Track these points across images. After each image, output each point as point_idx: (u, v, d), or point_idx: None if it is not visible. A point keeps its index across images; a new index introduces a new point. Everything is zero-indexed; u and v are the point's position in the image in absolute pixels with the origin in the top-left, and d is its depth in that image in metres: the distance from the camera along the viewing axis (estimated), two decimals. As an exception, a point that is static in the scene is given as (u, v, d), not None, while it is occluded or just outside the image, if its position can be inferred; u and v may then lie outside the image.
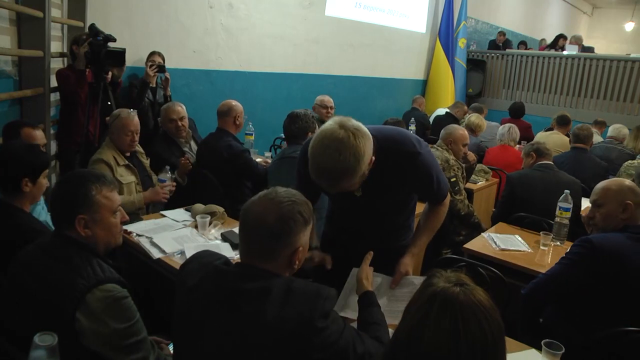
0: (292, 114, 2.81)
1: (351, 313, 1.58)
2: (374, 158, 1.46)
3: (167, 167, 2.77)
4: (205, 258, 1.29)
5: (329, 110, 4.43)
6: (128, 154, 2.75)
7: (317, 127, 2.73)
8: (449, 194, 1.83)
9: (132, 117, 2.70)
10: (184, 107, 3.33)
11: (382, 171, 1.54)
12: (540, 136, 4.93)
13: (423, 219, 1.85)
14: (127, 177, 2.67)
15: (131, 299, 1.34)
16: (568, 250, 1.90)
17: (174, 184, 2.79)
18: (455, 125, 3.50)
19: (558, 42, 8.81)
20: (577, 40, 8.68)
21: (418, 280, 1.71)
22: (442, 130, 3.45)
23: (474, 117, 4.67)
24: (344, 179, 1.38)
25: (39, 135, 2.34)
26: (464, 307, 0.90)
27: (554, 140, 4.60)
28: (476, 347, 0.88)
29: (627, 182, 1.96)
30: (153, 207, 2.81)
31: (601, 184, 1.98)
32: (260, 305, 1.12)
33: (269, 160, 3.66)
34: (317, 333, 1.10)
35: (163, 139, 3.29)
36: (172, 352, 1.56)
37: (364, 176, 1.45)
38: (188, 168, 3.01)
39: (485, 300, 0.93)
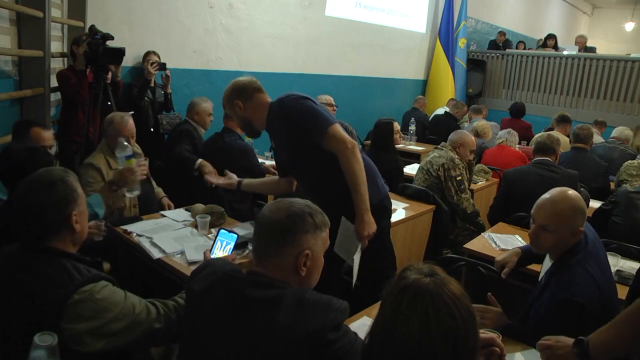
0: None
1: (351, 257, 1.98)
2: (241, 104, 2.06)
3: (122, 140, 2.37)
4: (217, 265, 1.30)
5: (335, 107, 4.48)
6: None
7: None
8: (354, 146, 1.97)
9: (126, 121, 2.61)
10: None
11: (272, 125, 2.09)
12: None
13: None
14: None
15: (111, 285, 1.33)
16: (555, 319, 1.59)
17: (144, 161, 2.50)
18: (466, 132, 3.55)
19: (547, 42, 8.79)
20: (582, 39, 8.66)
21: None
22: (451, 134, 3.50)
23: (482, 123, 4.94)
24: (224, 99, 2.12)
25: (46, 135, 2.35)
26: (434, 296, 0.92)
27: (554, 140, 4.60)
28: (448, 335, 0.91)
29: (576, 198, 1.70)
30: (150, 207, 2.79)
31: (550, 205, 1.70)
32: (272, 313, 1.12)
33: (267, 162, 3.69)
34: (327, 345, 1.09)
35: (185, 135, 3.36)
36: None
37: (240, 116, 2.10)
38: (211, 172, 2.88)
39: (456, 288, 0.95)
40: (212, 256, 1.85)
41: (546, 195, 1.74)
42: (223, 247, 1.97)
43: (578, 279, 1.61)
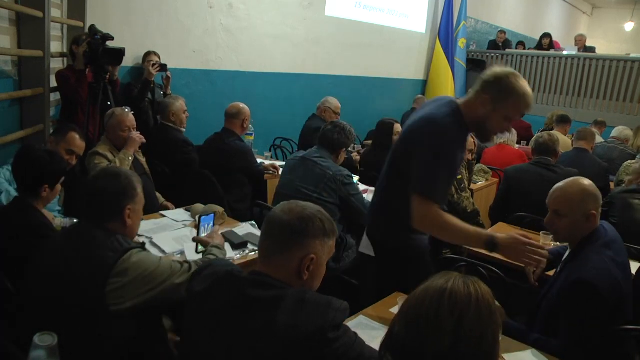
0: (339, 125, 2.83)
1: None
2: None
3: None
4: (218, 266, 1.31)
5: (339, 115, 4.34)
6: None
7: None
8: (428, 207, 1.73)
9: (127, 113, 2.79)
10: None
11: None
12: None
13: None
14: None
15: (149, 252, 1.55)
16: (567, 301, 1.65)
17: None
18: None
19: (542, 41, 8.78)
20: (581, 38, 8.64)
21: None
22: None
23: None
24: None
25: (79, 143, 2.46)
26: (457, 279, 0.97)
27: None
28: (456, 312, 0.92)
29: (587, 184, 1.82)
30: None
31: (560, 190, 1.83)
32: (272, 313, 1.12)
33: (266, 162, 3.68)
34: (328, 344, 1.10)
35: (183, 144, 3.36)
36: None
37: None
38: None
39: (487, 291, 0.97)
40: None
41: (559, 184, 1.86)
42: (207, 228, 2.07)
43: (591, 263, 1.65)
